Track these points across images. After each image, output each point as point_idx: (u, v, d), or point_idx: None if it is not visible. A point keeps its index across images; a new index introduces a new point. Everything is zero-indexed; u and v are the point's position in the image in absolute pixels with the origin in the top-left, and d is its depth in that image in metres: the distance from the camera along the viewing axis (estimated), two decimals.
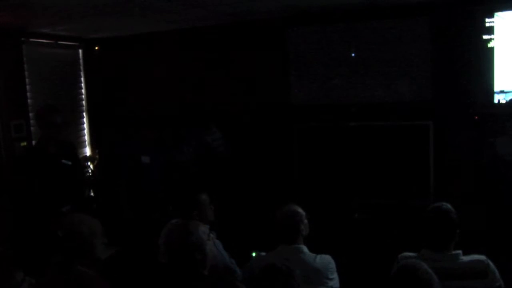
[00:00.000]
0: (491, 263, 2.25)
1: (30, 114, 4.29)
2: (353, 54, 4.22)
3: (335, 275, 2.58)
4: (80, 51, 5.17)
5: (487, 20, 3.80)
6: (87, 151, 5.26)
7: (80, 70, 5.20)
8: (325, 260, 2.56)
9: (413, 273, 1.87)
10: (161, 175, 4.27)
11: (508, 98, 3.84)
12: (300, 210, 2.65)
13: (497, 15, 3.77)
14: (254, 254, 2.85)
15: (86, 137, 5.29)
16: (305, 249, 2.57)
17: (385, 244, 3.60)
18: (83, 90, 5.23)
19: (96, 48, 5.20)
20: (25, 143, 4.24)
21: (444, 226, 2.28)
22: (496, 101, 3.86)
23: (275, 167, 4.48)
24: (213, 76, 4.76)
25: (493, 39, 3.79)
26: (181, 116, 4.69)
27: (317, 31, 4.31)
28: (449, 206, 2.36)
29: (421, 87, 4.07)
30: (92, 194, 4.87)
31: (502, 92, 3.83)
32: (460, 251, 2.27)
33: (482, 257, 2.26)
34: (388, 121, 4.09)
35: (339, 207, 4.12)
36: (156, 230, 2.97)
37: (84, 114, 5.26)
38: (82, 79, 5.22)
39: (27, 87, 4.40)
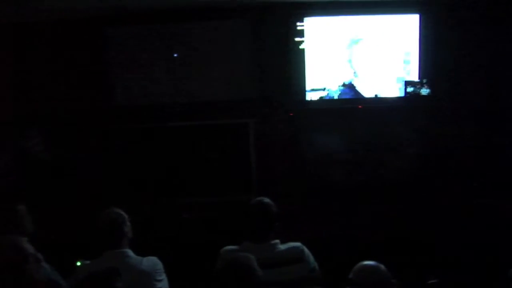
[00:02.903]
0: (305, 249, 2.51)
1: None
2: (175, 55, 4.29)
3: (163, 276, 2.61)
4: None
5: (298, 23, 4.13)
6: None
7: None
8: (152, 262, 2.57)
9: (235, 268, 2.02)
10: None
11: (318, 96, 4.25)
12: (123, 213, 2.62)
13: (306, 20, 4.14)
14: (79, 264, 2.77)
15: None
16: (130, 253, 2.56)
17: (213, 240, 3.75)
18: None
19: None
20: None
21: (264, 219, 2.49)
22: (308, 98, 4.23)
23: (99, 171, 4.36)
24: (32, 78, 4.44)
25: (304, 41, 4.15)
26: None
27: (138, 31, 4.28)
28: (268, 200, 2.58)
29: (242, 87, 4.28)
30: None
31: (313, 90, 4.22)
32: (278, 241, 2.48)
33: (298, 244, 2.50)
34: (211, 120, 4.24)
35: (167, 208, 4.18)
36: None
37: None
38: None
39: None
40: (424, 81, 4.29)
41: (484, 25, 4.37)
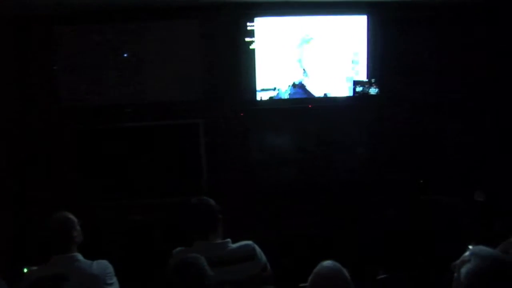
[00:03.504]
0: (257, 247, 2.55)
1: None
2: (125, 55, 4.24)
3: (114, 280, 2.61)
4: None
5: (248, 24, 4.15)
6: None
7: None
8: (102, 266, 2.57)
9: (186, 268, 2.04)
10: None
11: (269, 96, 4.29)
12: (72, 216, 2.61)
13: (257, 20, 4.17)
14: (26, 270, 2.73)
15: None
16: (80, 256, 2.55)
17: (167, 242, 3.75)
18: None
19: None
20: None
21: (208, 218, 2.53)
22: (258, 98, 4.26)
23: (48, 173, 4.28)
24: None
25: (254, 41, 4.18)
26: None
27: (88, 30, 4.20)
28: (207, 198, 2.63)
29: (192, 87, 4.27)
30: None
31: (263, 90, 4.26)
32: (229, 239, 2.52)
33: (249, 242, 2.55)
34: (161, 120, 4.22)
35: (116, 210, 4.14)
36: None
37: None
38: None
39: None
40: (373, 80, 4.42)
41: (430, 25, 4.54)
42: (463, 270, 1.85)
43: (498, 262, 1.82)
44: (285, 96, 4.32)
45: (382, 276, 3.47)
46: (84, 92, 4.27)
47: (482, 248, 1.91)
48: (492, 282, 1.80)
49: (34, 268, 2.62)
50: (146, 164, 4.21)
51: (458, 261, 1.90)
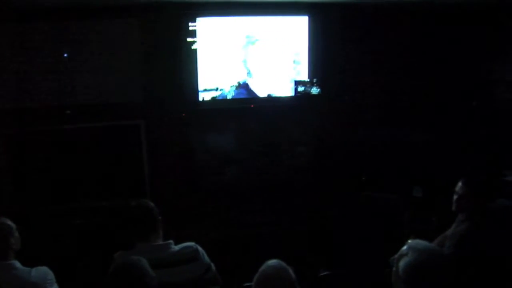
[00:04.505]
0: (199, 248, 2.57)
1: None
2: (65, 55, 4.16)
3: (55, 286, 2.56)
4: None
5: (190, 24, 4.16)
6: None
7: None
8: (42, 273, 2.51)
9: (127, 271, 2.05)
10: None
11: (211, 96, 4.32)
12: (10, 222, 2.55)
13: (199, 20, 4.18)
14: None
15: None
16: (17, 264, 2.49)
17: (107, 245, 3.71)
18: None
19: None
20: None
21: (148, 220, 2.54)
22: (200, 99, 4.28)
23: None
24: None
25: (196, 41, 4.19)
26: None
27: (24, 30, 4.06)
28: (148, 201, 2.65)
29: (133, 87, 4.25)
30: None
31: (205, 90, 4.28)
32: (171, 241, 2.53)
33: (191, 244, 2.56)
34: (101, 122, 4.16)
35: (60, 214, 4.06)
36: None
37: None
38: None
39: None
40: (314, 80, 4.52)
41: (371, 25, 4.69)
42: (401, 263, 1.95)
43: (433, 255, 1.94)
44: (229, 96, 4.37)
45: (325, 273, 3.59)
46: (21, 93, 4.13)
47: (419, 242, 2.01)
48: (428, 274, 1.91)
49: None
50: (86, 167, 4.14)
51: (396, 255, 2.00)
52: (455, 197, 3.21)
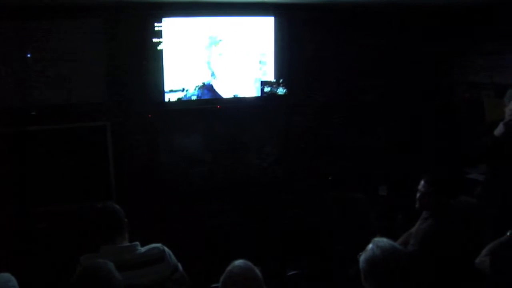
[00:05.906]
0: (166, 249, 2.59)
1: None
2: (28, 55, 4.07)
3: None
4: None
5: (156, 24, 4.12)
6: None
7: None
8: (4, 279, 2.45)
9: (93, 274, 2.05)
10: None
11: (177, 97, 4.30)
12: None
13: (164, 20, 4.15)
14: None
15: None
16: None
17: (73, 249, 3.68)
18: None
19: None
20: None
21: (113, 222, 2.55)
22: (166, 99, 4.26)
23: None
24: None
25: (162, 42, 4.17)
26: None
27: None
28: (113, 204, 2.66)
29: (97, 88, 4.20)
30: None
31: (171, 91, 4.27)
32: (137, 243, 2.54)
33: (158, 245, 2.57)
34: (65, 123, 4.10)
35: (23, 218, 3.99)
36: None
37: None
38: None
39: None
40: (280, 81, 4.58)
41: (335, 27, 4.77)
42: (361, 257, 2.03)
43: (393, 253, 2.02)
44: (194, 97, 4.37)
45: (292, 273, 3.65)
46: None
47: (383, 240, 2.09)
48: (386, 269, 1.99)
49: None
50: (51, 170, 4.07)
51: (362, 252, 2.07)
52: (418, 195, 3.31)
